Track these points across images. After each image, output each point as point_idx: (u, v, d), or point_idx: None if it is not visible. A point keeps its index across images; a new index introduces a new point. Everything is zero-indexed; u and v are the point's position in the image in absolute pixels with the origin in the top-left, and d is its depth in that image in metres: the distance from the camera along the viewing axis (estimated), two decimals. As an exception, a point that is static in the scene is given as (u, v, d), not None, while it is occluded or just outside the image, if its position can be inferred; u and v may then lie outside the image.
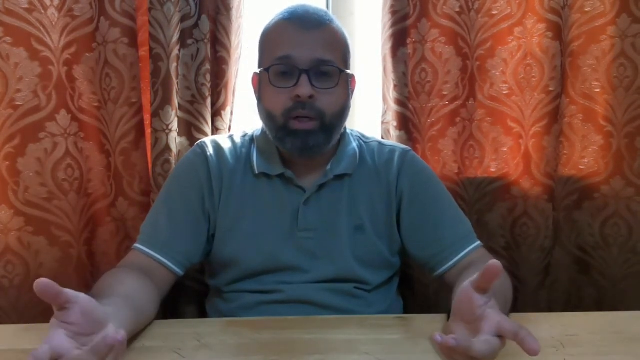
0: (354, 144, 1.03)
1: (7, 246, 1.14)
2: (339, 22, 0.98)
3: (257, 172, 0.98)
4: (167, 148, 1.16)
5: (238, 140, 1.04)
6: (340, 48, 0.95)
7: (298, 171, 0.98)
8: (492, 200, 1.30)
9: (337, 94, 0.93)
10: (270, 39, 0.95)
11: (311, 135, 0.92)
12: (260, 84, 0.96)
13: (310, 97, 0.89)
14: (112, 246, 1.21)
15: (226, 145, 1.02)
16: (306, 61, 0.90)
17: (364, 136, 1.08)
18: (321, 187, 0.98)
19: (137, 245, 0.96)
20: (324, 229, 0.97)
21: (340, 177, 0.99)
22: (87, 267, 1.20)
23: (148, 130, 1.18)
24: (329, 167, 0.98)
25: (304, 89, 0.89)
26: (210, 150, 1.00)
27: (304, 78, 0.89)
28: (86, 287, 1.20)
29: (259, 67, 0.98)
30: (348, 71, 0.97)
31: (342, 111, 0.95)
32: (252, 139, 1.04)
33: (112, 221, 1.20)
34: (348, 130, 1.05)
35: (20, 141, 1.12)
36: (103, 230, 1.20)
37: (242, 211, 0.98)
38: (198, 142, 1.04)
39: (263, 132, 1.01)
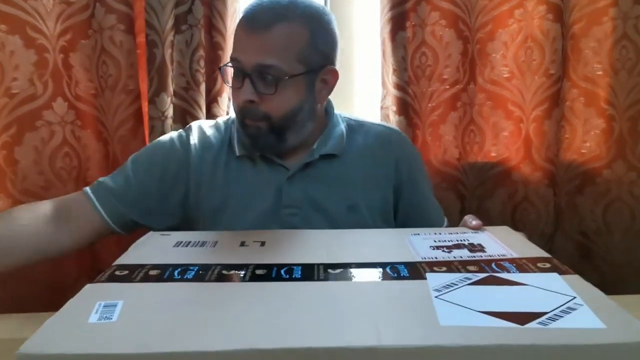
0: (342, 126, 1.03)
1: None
2: (309, 10, 0.91)
3: (238, 154, 0.99)
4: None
5: (222, 124, 1.05)
6: (293, 47, 0.90)
7: (280, 152, 0.98)
8: (493, 185, 1.29)
9: (282, 98, 0.91)
10: (233, 34, 0.97)
11: (260, 136, 0.93)
12: None
13: (252, 102, 0.90)
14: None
15: (211, 130, 1.03)
16: (248, 65, 0.89)
17: (353, 117, 1.07)
18: (306, 166, 0.98)
19: (85, 189, 0.97)
20: (310, 207, 0.97)
21: (327, 157, 0.99)
22: (87, 256, 1.20)
23: (146, 118, 1.18)
24: (315, 146, 0.99)
25: (243, 94, 0.90)
26: (194, 137, 1.01)
27: (247, 82, 0.90)
28: (86, 276, 1.20)
29: None
30: (329, 66, 0.94)
31: (291, 113, 0.93)
32: (232, 122, 1.03)
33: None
34: (336, 112, 1.04)
35: (17, 130, 1.11)
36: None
37: (227, 192, 0.98)
38: (186, 128, 1.04)
39: None
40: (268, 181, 0.98)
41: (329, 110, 1.04)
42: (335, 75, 0.97)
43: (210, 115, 1.21)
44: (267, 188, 0.97)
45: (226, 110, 1.23)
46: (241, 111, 0.93)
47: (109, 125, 1.17)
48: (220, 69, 0.96)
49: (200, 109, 1.19)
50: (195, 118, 1.18)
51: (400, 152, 1.03)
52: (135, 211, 0.96)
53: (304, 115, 0.95)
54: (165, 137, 1.03)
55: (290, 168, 0.98)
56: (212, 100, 1.21)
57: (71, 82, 1.14)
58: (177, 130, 1.14)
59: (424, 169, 1.09)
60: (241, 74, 0.91)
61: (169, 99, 1.15)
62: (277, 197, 0.97)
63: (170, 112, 1.16)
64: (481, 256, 0.66)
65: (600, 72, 1.24)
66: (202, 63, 1.16)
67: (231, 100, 0.98)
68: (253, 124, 0.93)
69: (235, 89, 0.93)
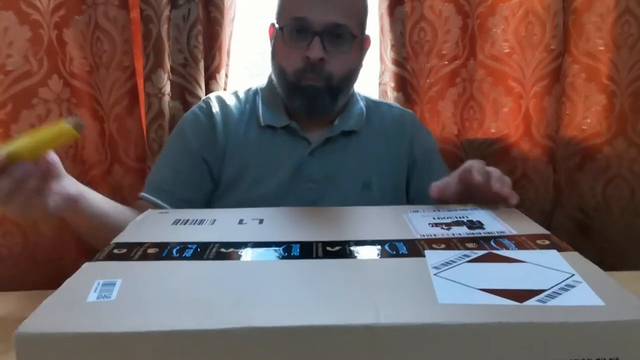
0: (361, 104, 1.05)
1: (4, 215, 1.13)
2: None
3: (263, 124, 0.99)
4: (161, 113, 1.14)
5: (242, 95, 1.05)
6: (358, 11, 0.96)
7: (303, 124, 0.99)
8: (492, 162, 1.26)
9: (347, 58, 0.94)
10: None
11: (318, 96, 0.94)
12: (275, 37, 0.97)
13: (321, 59, 0.91)
14: (109, 213, 1.20)
15: (231, 100, 1.03)
16: (320, 23, 0.90)
17: (371, 97, 1.10)
18: (327, 141, 0.99)
19: (141, 194, 0.98)
20: (327, 182, 0.98)
21: (347, 133, 1.00)
22: (85, 233, 1.20)
23: (142, 96, 1.17)
24: (336, 122, 1.00)
25: (315, 51, 0.90)
26: (215, 105, 1.01)
27: (317, 40, 0.90)
28: (85, 255, 1.18)
29: (276, 19, 0.98)
30: (366, 33, 0.99)
31: (351, 74, 0.97)
32: (256, 92, 1.05)
33: (108, 189, 1.19)
34: (356, 90, 1.06)
35: (13, 108, 1.10)
36: (100, 198, 1.19)
37: (246, 162, 0.98)
38: (204, 97, 1.05)
39: (269, 84, 1.02)
40: (289, 153, 0.98)
41: None
42: (369, 42, 1.02)
43: (208, 92, 1.20)
44: (287, 160, 0.98)
45: (223, 87, 1.22)
46: (301, 72, 0.92)
47: (104, 103, 1.16)
48: (281, 29, 0.93)
49: (199, 85, 1.18)
50: (194, 95, 1.17)
51: (413, 132, 1.05)
52: (193, 195, 0.97)
53: (356, 78, 1.00)
54: (188, 115, 1.02)
55: (312, 141, 0.98)
56: (210, 76, 1.20)
57: (66, 58, 1.12)
58: (175, 107, 1.13)
59: (439, 155, 1.09)
60: (310, 33, 0.90)
61: (166, 75, 1.14)
62: (297, 170, 0.97)
63: (167, 88, 1.15)
64: (480, 233, 0.66)
65: (602, 48, 1.23)
66: (200, 39, 1.15)
67: (277, 63, 0.96)
68: (313, 83, 0.93)
69: (295, 49, 0.92)
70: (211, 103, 1.01)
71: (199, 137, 0.98)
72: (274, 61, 0.97)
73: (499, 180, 0.76)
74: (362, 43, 0.98)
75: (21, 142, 0.68)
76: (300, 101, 0.95)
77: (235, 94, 1.05)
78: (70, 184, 0.76)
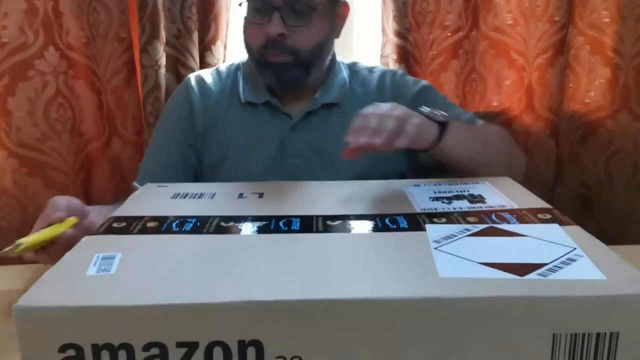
0: (344, 73, 1.03)
1: (3, 188, 1.13)
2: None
3: (243, 100, 0.98)
4: (157, 85, 1.13)
5: (223, 70, 1.04)
6: None
7: (284, 99, 0.98)
8: (494, 135, 1.28)
9: (311, 31, 0.92)
10: None
11: (286, 70, 0.92)
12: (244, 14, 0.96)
13: (281, 35, 0.89)
14: (108, 188, 1.20)
15: (210, 77, 1.02)
16: None
17: (354, 65, 1.07)
18: (309, 114, 0.98)
19: (133, 183, 0.98)
20: (312, 156, 0.97)
21: (329, 106, 0.98)
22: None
23: (139, 67, 1.15)
24: (317, 95, 0.98)
25: (273, 27, 0.89)
26: (193, 85, 1.00)
27: (276, 16, 0.89)
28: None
29: None
30: (342, 0, 0.96)
31: (319, 47, 0.94)
32: (238, 67, 1.04)
33: (106, 162, 1.19)
34: (338, 59, 1.04)
35: (10, 80, 1.09)
36: (98, 171, 1.19)
37: (228, 141, 0.98)
38: (185, 79, 1.04)
39: (249, 60, 1.00)
40: (270, 130, 0.97)
41: (332, 57, 1.02)
42: (347, 8, 0.99)
43: (204, 64, 1.18)
44: (270, 137, 0.97)
45: (221, 58, 1.20)
46: (264, 48, 0.91)
47: (102, 75, 1.14)
48: (245, 5, 0.93)
49: (193, 57, 1.16)
50: (188, 67, 1.16)
51: (394, 91, 1.01)
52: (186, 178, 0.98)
53: (327, 49, 0.97)
54: (170, 100, 1.03)
55: (293, 116, 0.97)
56: (205, 48, 1.18)
57: (62, 30, 1.10)
58: (169, 79, 1.12)
59: (434, 93, 1.04)
60: (270, 8, 0.89)
61: (162, 47, 1.12)
62: (279, 147, 0.96)
63: (163, 60, 1.13)
64: (481, 207, 0.66)
65: (607, 19, 1.21)
66: (193, 10, 1.13)
67: (244, 39, 0.96)
68: (278, 58, 0.91)
69: (257, 26, 0.91)
70: (190, 83, 1.01)
71: (181, 124, 0.98)
72: (244, 38, 0.96)
73: (354, 131, 0.75)
74: (330, 13, 0.95)
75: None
76: (269, 77, 0.94)
77: (217, 70, 1.04)
78: (96, 221, 0.73)
